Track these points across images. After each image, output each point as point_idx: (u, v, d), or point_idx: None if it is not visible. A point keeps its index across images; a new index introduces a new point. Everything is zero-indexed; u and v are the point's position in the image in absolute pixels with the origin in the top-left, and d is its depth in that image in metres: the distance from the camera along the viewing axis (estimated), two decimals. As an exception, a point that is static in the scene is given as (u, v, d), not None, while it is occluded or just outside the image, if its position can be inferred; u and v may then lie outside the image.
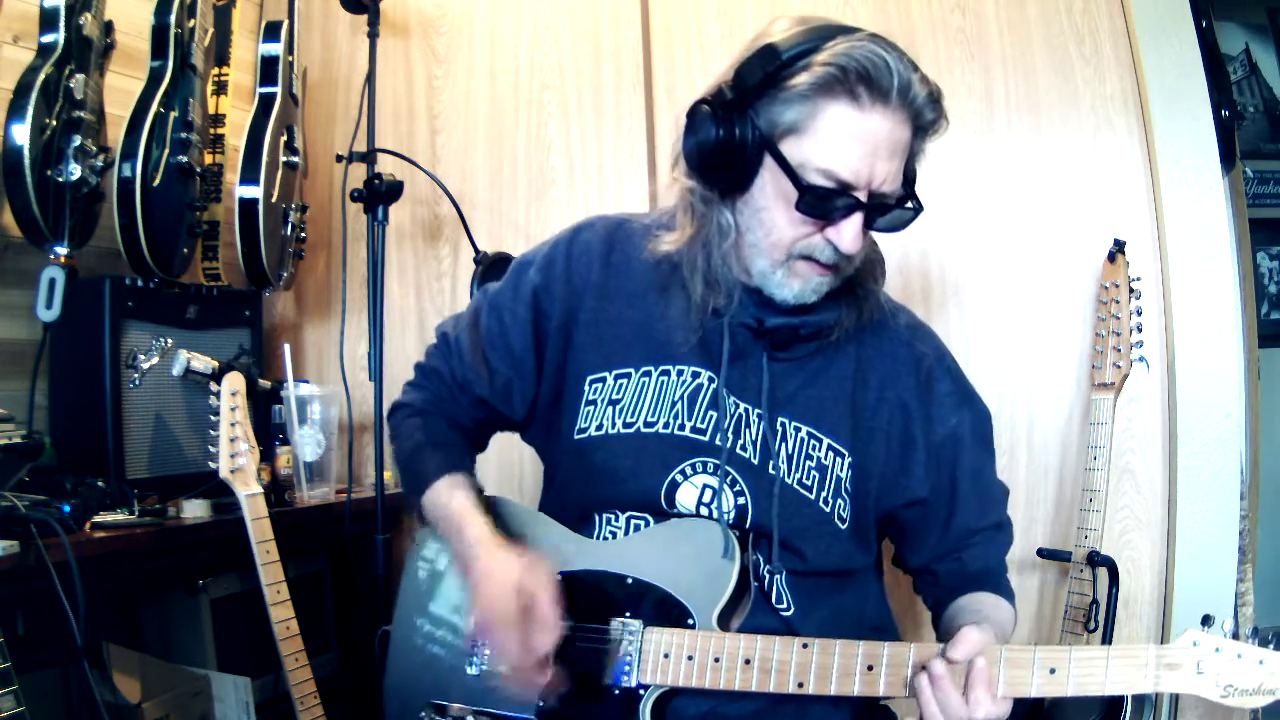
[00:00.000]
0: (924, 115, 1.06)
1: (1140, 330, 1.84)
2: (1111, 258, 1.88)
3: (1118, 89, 1.98)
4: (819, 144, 1.04)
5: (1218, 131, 1.93)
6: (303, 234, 2.35)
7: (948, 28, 2.08)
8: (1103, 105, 1.99)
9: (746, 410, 1.19)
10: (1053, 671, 0.96)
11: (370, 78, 2.14)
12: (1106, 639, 1.77)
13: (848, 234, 1.07)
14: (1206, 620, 0.93)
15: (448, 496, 1.24)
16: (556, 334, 1.26)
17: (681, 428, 1.20)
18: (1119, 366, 1.84)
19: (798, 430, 1.19)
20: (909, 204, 1.10)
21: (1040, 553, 1.92)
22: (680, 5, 2.27)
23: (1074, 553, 1.82)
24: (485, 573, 1.14)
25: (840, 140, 1.03)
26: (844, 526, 1.20)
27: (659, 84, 2.28)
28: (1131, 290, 1.85)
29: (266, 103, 2.21)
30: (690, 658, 1.11)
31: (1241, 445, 1.94)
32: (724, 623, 1.14)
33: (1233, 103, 2.17)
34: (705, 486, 1.19)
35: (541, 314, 1.27)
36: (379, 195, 1.99)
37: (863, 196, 1.06)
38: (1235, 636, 0.92)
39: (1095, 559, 1.78)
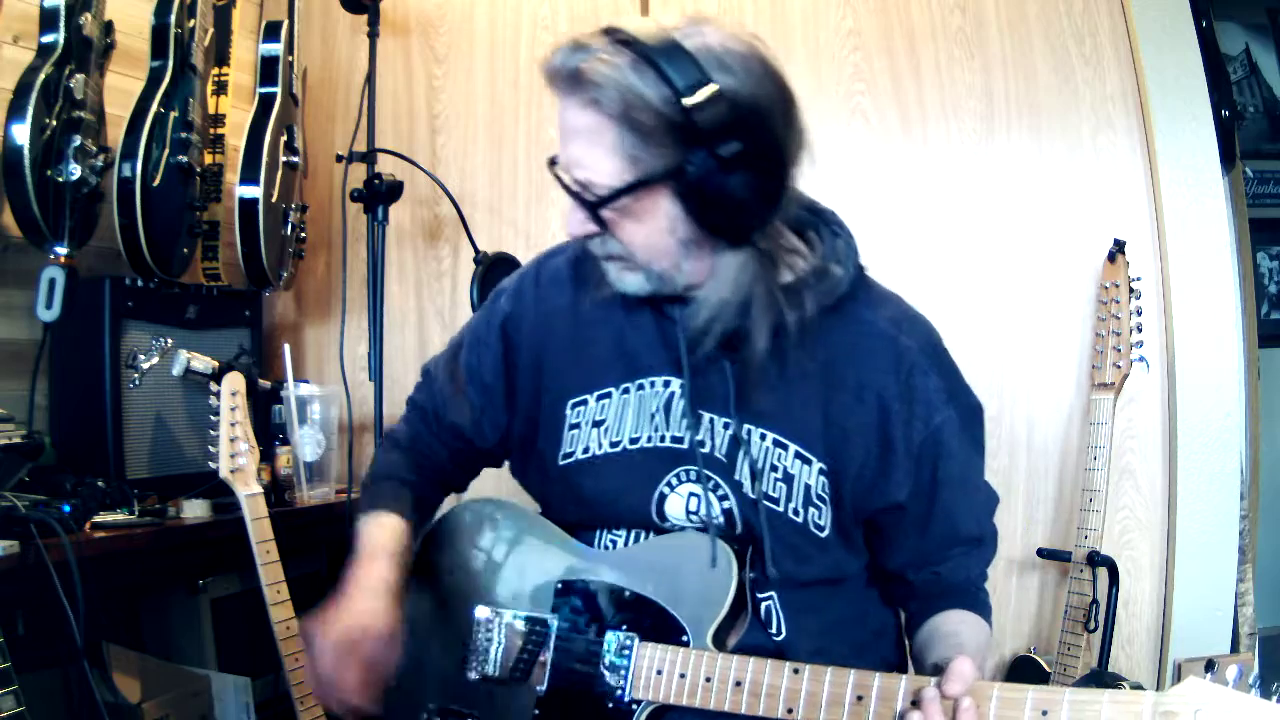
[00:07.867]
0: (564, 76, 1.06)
1: (1140, 330, 1.84)
2: (1111, 258, 1.88)
3: (1118, 89, 1.98)
4: None
5: (1218, 131, 1.93)
6: (303, 234, 2.35)
7: (948, 28, 2.08)
8: (1103, 105, 1.99)
9: (713, 419, 1.17)
10: (1045, 714, 0.92)
11: (370, 78, 2.14)
12: (1106, 639, 1.77)
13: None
14: (1210, 666, 0.90)
15: (369, 531, 1.27)
16: (528, 363, 1.26)
17: (663, 439, 1.19)
18: (1119, 367, 1.84)
19: (764, 438, 1.16)
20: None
21: (1040, 553, 1.92)
22: (680, 5, 2.27)
23: (1074, 553, 1.82)
24: (342, 604, 1.16)
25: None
26: (824, 534, 1.17)
27: (659, 84, 2.27)
28: (1131, 290, 1.85)
29: (266, 103, 2.21)
30: (682, 675, 1.10)
31: (1241, 445, 1.94)
32: (720, 641, 1.13)
33: (1233, 103, 2.17)
34: (691, 495, 1.18)
35: (510, 344, 1.27)
36: (379, 195, 1.99)
37: (567, 180, 1.09)
38: (1240, 678, 0.88)
39: (1095, 559, 1.78)
